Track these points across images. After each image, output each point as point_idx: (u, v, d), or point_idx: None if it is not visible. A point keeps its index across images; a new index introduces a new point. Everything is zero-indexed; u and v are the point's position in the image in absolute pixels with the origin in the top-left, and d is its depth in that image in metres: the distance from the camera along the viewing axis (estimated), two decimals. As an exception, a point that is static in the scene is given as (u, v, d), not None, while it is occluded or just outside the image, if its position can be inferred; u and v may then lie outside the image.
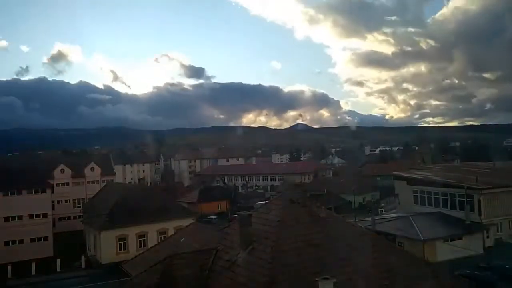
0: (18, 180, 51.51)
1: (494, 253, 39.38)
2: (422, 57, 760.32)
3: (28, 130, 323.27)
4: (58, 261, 46.18)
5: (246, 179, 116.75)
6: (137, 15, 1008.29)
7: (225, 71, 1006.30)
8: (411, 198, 51.70)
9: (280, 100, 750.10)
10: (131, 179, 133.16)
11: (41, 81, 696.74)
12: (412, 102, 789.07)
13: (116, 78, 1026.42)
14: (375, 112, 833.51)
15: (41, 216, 51.80)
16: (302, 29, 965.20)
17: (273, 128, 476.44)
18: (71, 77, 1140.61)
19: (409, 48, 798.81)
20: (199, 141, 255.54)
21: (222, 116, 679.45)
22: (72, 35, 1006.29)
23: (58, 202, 63.91)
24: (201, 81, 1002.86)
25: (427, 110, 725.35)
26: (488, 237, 43.06)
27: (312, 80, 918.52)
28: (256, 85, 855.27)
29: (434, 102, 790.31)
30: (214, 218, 66.47)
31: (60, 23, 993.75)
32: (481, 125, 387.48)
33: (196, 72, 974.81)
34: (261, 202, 54.43)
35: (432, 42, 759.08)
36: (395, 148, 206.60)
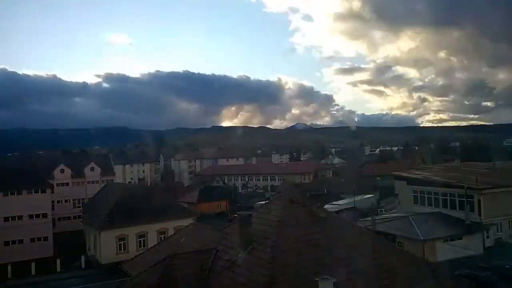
0: (18, 180, 51.56)
1: (494, 253, 39.37)
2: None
3: (28, 130, 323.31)
4: (58, 261, 46.20)
5: (246, 179, 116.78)
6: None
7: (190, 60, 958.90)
8: (411, 198, 51.69)
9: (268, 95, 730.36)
10: (131, 179, 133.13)
11: None
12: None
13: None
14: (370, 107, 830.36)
15: (41, 216, 51.87)
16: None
17: (273, 128, 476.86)
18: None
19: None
20: (199, 141, 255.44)
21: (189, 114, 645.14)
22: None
23: (58, 202, 63.89)
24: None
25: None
26: (488, 237, 43.05)
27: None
28: (243, 78, 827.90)
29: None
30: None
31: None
32: (481, 125, 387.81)
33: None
34: (261, 202, 54.42)
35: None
36: (395, 148, 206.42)
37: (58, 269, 45.60)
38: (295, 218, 19.04)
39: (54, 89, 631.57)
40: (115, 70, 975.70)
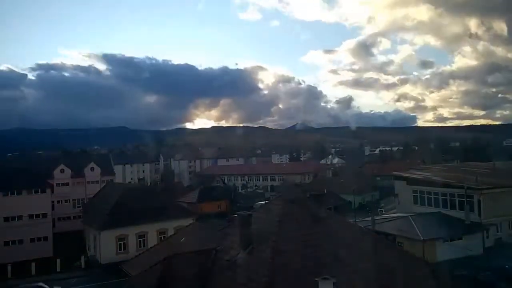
0: (18, 180, 51.52)
1: (494, 253, 39.37)
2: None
3: (28, 130, 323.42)
4: (58, 261, 46.12)
5: (246, 179, 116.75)
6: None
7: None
8: (411, 198, 51.69)
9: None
10: (131, 179, 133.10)
11: None
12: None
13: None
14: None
15: (41, 216, 51.82)
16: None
17: (273, 128, 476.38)
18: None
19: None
20: (199, 141, 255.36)
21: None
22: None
23: (58, 202, 63.94)
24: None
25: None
26: (488, 237, 43.03)
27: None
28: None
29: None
30: None
31: None
32: (481, 125, 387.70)
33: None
34: (261, 202, 54.44)
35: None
36: (395, 148, 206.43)
37: (58, 269, 45.51)
38: (295, 218, 19.07)
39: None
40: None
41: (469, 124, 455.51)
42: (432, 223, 43.23)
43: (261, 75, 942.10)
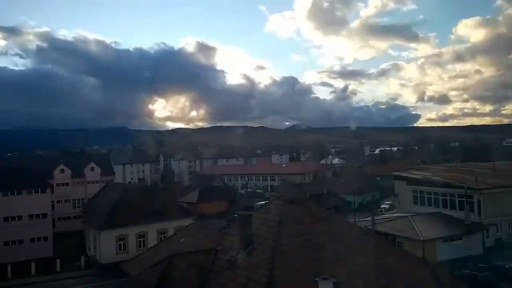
0: (18, 180, 51.53)
1: (494, 253, 39.38)
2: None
3: (28, 130, 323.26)
4: (58, 261, 46.17)
5: (246, 179, 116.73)
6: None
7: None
8: (411, 198, 51.72)
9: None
10: (131, 179, 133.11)
11: None
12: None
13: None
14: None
15: (41, 216, 51.82)
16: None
17: (273, 128, 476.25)
18: None
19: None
20: (199, 141, 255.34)
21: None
22: None
23: (58, 202, 63.95)
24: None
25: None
26: (488, 237, 43.05)
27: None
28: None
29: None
30: None
31: None
32: (481, 125, 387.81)
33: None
34: (261, 202, 54.46)
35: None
36: (395, 148, 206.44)
37: (58, 269, 45.55)
38: (295, 218, 19.05)
39: None
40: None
41: (469, 124, 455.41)
42: (432, 223, 43.26)
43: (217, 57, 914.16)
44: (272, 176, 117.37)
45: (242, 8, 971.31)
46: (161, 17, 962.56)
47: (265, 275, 16.07)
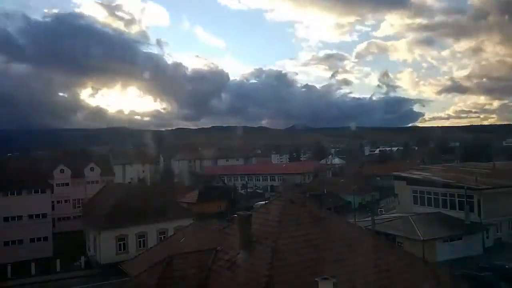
0: (18, 180, 51.52)
1: (494, 253, 39.39)
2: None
3: (28, 130, 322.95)
4: (58, 261, 46.20)
5: (246, 179, 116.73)
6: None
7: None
8: (411, 198, 51.75)
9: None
10: (131, 179, 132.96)
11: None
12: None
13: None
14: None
15: (40, 216, 51.80)
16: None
17: (273, 128, 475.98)
18: None
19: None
20: (199, 141, 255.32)
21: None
22: None
23: (58, 202, 63.93)
24: None
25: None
26: (488, 237, 43.07)
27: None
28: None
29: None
30: None
31: None
32: (481, 125, 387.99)
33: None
34: (261, 202, 54.42)
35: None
36: (395, 148, 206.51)
37: (58, 269, 45.59)
38: (295, 218, 19.05)
39: None
40: None
41: (469, 124, 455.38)
42: (432, 223, 43.30)
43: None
44: (272, 176, 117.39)
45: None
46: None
47: (265, 275, 16.07)
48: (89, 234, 51.48)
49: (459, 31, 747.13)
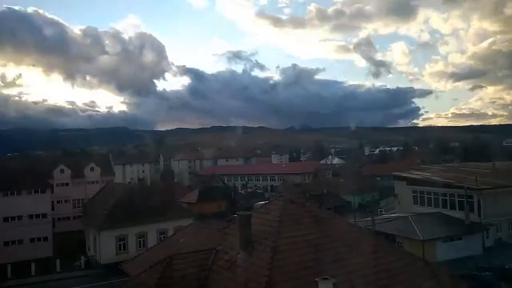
0: (18, 180, 51.47)
1: (494, 253, 39.39)
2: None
3: (28, 130, 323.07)
4: (58, 261, 46.19)
5: (246, 180, 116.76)
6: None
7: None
8: (410, 198, 51.75)
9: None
10: (131, 179, 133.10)
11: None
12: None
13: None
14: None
15: (40, 216, 51.77)
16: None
17: (273, 128, 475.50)
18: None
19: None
20: (199, 141, 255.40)
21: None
22: None
23: (58, 202, 63.86)
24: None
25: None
26: (488, 237, 43.07)
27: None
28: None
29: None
30: None
31: None
32: (481, 125, 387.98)
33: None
34: (260, 202, 54.41)
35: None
36: (395, 148, 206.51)
37: (58, 269, 45.58)
38: (295, 218, 19.05)
39: None
40: None
41: (469, 124, 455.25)
42: (432, 223, 43.30)
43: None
44: (272, 176, 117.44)
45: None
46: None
47: (265, 275, 16.07)
48: (89, 234, 51.47)
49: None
